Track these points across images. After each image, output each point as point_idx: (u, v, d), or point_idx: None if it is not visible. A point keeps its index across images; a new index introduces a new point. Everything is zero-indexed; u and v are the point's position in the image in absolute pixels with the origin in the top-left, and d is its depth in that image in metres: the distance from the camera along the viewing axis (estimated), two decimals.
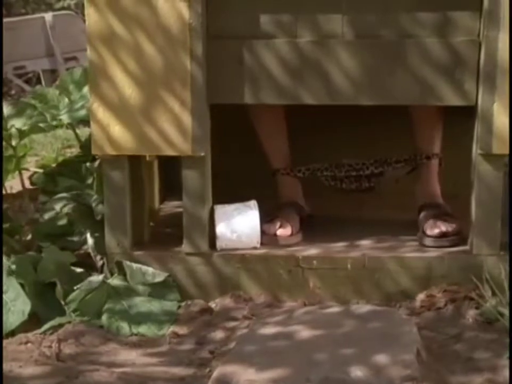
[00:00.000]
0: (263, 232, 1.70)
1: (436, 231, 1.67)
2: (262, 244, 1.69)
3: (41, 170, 2.29)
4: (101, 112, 1.61)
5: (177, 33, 1.57)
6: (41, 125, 2.01)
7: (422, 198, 1.80)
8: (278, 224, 1.72)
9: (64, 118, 2.04)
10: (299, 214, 1.80)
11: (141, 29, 1.57)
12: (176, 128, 1.61)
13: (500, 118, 1.55)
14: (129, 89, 1.59)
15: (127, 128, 1.61)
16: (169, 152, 1.62)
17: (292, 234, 1.71)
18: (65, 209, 1.84)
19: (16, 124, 1.98)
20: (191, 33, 1.56)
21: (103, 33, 1.58)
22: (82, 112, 2.02)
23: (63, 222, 1.84)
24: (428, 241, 1.67)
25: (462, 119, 1.70)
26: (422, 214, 1.75)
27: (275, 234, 1.70)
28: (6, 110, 2.00)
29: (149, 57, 1.58)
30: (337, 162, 1.86)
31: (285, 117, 1.87)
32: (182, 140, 1.61)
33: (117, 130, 1.61)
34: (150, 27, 1.57)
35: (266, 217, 1.74)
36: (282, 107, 1.83)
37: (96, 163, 1.93)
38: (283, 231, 1.71)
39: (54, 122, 2.05)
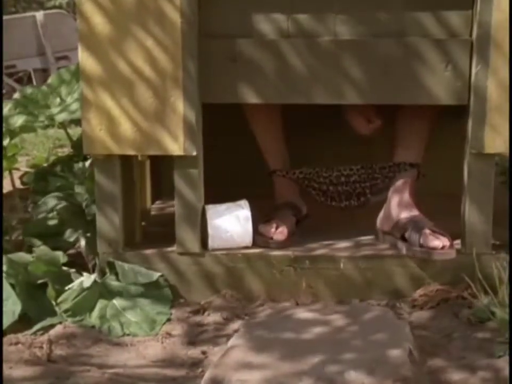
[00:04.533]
0: (259, 234, 1.70)
1: (437, 243, 1.59)
2: (256, 245, 1.68)
3: (32, 170, 2.28)
4: (92, 112, 1.60)
5: (169, 31, 1.56)
6: (32, 124, 1.99)
7: (401, 209, 1.71)
8: (274, 225, 1.71)
9: (56, 117, 2.03)
10: (295, 215, 1.80)
11: (137, 27, 1.57)
12: (168, 127, 1.60)
13: (492, 117, 1.55)
14: (119, 89, 1.59)
15: (118, 128, 1.60)
16: (161, 152, 1.62)
17: (287, 238, 1.70)
18: (57, 209, 1.83)
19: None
20: (184, 32, 1.56)
21: (96, 33, 1.57)
22: (74, 112, 2.01)
23: (54, 221, 1.83)
24: (434, 255, 1.59)
25: (454, 118, 1.71)
26: (411, 227, 1.65)
27: (271, 238, 1.69)
28: None
29: (138, 56, 1.57)
30: (328, 166, 1.85)
31: (281, 117, 1.86)
32: (173, 140, 1.60)
33: (108, 130, 1.61)
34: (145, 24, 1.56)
35: (263, 218, 1.73)
36: (279, 107, 1.82)
37: (88, 163, 1.92)
38: (279, 235, 1.69)
39: (46, 122, 2.04)
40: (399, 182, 1.75)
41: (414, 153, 1.76)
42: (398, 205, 1.73)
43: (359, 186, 1.83)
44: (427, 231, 1.62)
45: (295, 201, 1.84)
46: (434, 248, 1.59)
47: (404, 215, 1.70)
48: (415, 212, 1.70)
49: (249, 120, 1.84)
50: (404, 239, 1.66)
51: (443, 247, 1.60)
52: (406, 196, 1.73)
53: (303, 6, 1.58)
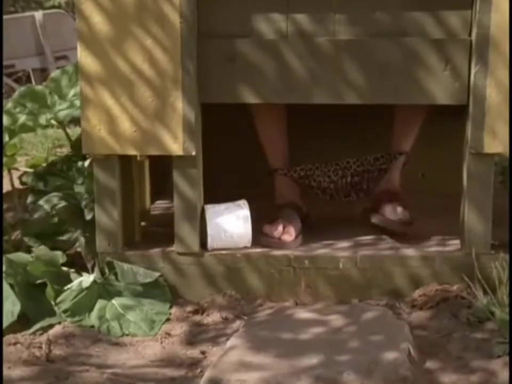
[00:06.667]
0: (264, 234, 1.69)
1: (395, 216, 1.72)
2: (263, 246, 1.68)
3: (31, 170, 2.27)
4: (92, 111, 1.60)
5: (168, 30, 1.56)
6: (31, 124, 1.99)
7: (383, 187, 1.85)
8: (281, 226, 1.70)
9: (56, 116, 2.02)
10: (299, 215, 1.80)
11: (136, 27, 1.56)
12: (167, 127, 1.60)
13: (491, 117, 1.55)
14: (119, 88, 1.58)
15: (118, 127, 1.60)
16: (161, 151, 1.62)
17: (295, 238, 1.70)
18: (56, 209, 1.83)
19: (5, 122, 1.96)
20: (183, 32, 1.56)
21: (95, 33, 1.57)
22: (74, 111, 2.00)
23: (53, 221, 1.83)
24: (382, 221, 1.72)
25: (453, 117, 1.71)
26: (382, 198, 1.79)
27: (279, 239, 1.69)
28: None
29: (137, 55, 1.57)
30: (326, 161, 1.86)
31: (286, 117, 1.86)
32: (172, 140, 1.60)
33: (107, 130, 1.60)
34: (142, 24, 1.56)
35: (266, 218, 1.73)
36: (284, 106, 1.82)
37: (87, 162, 1.92)
38: (287, 236, 1.69)
39: (44, 121, 2.03)
40: (388, 175, 1.85)
41: (406, 141, 1.86)
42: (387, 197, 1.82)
43: (357, 183, 1.86)
44: (391, 204, 1.74)
45: (297, 201, 1.84)
46: (389, 218, 1.71)
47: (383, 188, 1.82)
48: (393, 187, 1.83)
49: (254, 118, 1.84)
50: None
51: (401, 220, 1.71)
52: (391, 178, 1.84)
53: (301, 6, 1.58)
